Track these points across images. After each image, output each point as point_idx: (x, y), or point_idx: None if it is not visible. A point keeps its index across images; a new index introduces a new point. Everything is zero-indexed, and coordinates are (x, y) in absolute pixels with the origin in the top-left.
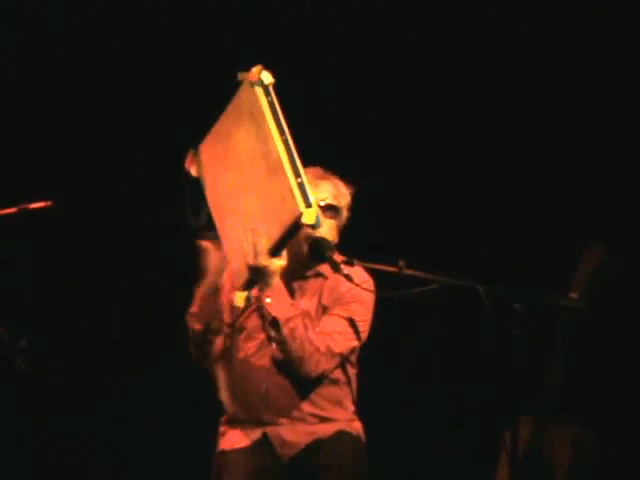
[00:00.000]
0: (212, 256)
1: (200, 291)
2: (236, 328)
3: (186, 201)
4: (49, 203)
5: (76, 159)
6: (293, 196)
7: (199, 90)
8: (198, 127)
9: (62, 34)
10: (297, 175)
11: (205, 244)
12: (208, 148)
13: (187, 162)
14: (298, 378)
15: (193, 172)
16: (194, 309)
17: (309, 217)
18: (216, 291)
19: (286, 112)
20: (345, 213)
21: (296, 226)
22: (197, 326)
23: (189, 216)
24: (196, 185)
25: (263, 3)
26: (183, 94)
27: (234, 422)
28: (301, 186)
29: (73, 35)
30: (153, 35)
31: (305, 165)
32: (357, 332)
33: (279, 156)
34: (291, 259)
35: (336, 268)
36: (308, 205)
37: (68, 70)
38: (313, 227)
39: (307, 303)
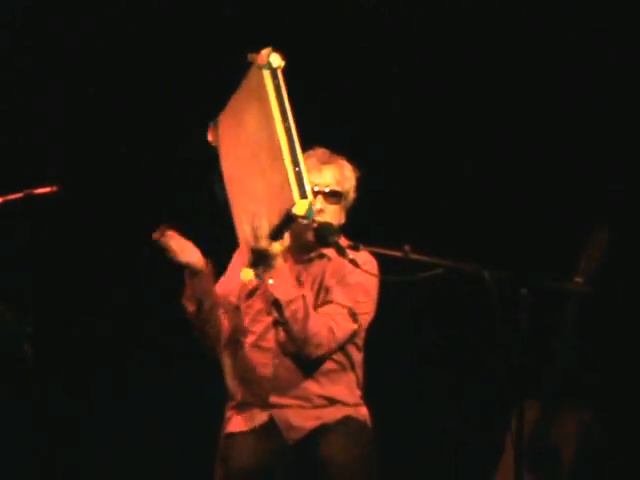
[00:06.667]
0: (172, 243)
1: (185, 275)
2: (243, 311)
3: (214, 175)
4: (54, 188)
5: (82, 144)
6: (289, 185)
7: (209, 75)
8: (207, 112)
9: (66, 24)
10: (296, 164)
11: (160, 239)
12: (224, 121)
13: (209, 134)
14: (300, 359)
15: (213, 143)
16: (186, 292)
17: (300, 208)
18: (196, 272)
19: (296, 94)
20: (351, 195)
21: (291, 215)
22: (190, 307)
23: (218, 190)
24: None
25: None
26: (191, 79)
27: (240, 406)
28: (298, 175)
29: (76, 24)
30: (155, 18)
31: (312, 146)
32: (359, 314)
33: (279, 143)
34: (296, 242)
35: (342, 252)
36: (303, 196)
37: (74, 58)
38: (305, 218)
39: (310, 285)
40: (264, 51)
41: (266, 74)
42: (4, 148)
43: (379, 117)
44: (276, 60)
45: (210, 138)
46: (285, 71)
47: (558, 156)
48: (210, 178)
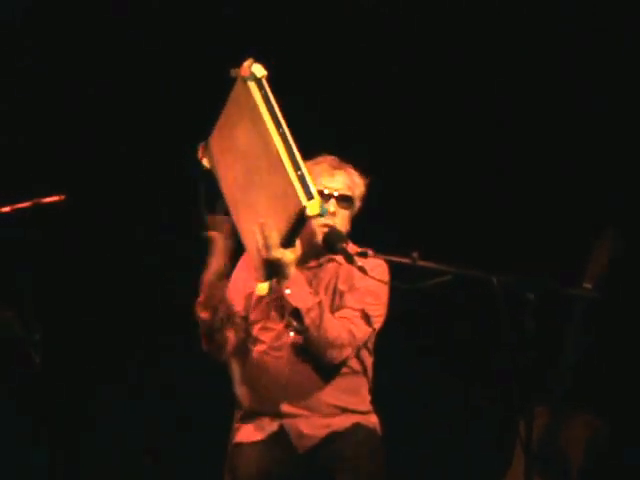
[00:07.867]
0: (218, 243)
1: (206, 278)
2: (251, 320)
3: (199, 194)
4: (62, 197)
5: (88, 154)
6: (294, 190)
7: (203, 84)
8: (208, 114)
9: (68, 33)
10: (297, 168)
11: (211, 234)
12: (216, 141)
13: (199, 154)
14: (320, 364)
15: (206, 164)
16: (201, 298)
17: (313, 209)
18: (222, 277)
19: (305, 102)
20: (358, 203)
21: (301, 219)
22: (205, 315)
23: (203, 209)
24: (209, 177)
25: None
26: (188, 89)
27: (250, 416)
28: (301, 179)
29: (80, 31)
30: (155, 18)
31: (320, 154)
32: (372, 317)
33: (277, 150)
34: (305, 248)
35: (350, 260)
36: (310, 197)
37: (78, 66)
38: (321, 215)
39: (324, 290)
40: (246, 63)
41: (252, 85)
42: (8, 153)
43: (383, 120)
44: (259, 70)
45: (202, 159)
46: (285, 72)
47: (564, 160)
48: (197, 205)
